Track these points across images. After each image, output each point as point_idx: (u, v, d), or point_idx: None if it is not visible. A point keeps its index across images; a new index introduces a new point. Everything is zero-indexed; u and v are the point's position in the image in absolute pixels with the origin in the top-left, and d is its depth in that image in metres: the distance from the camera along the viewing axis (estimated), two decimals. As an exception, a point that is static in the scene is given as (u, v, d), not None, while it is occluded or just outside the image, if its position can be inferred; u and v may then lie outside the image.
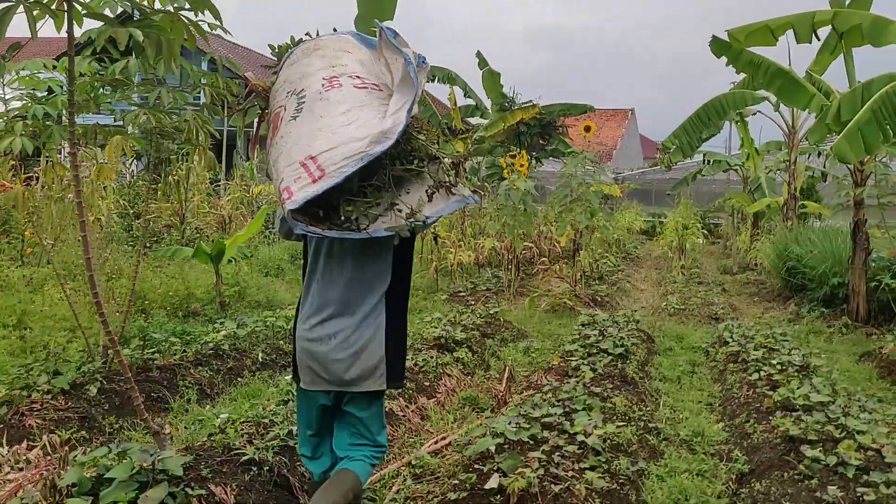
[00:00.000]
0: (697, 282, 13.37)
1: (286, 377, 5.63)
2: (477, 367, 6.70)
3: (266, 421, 4.31)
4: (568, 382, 5.39)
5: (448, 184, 2.89)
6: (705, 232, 16.26)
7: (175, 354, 5.91)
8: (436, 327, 7.14)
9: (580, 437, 3.93)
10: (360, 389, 2.98)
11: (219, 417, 4.18)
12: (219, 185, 18.91)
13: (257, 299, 9.07)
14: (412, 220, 2.72)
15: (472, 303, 9.97)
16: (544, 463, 3.71)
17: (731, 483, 4.21)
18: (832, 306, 9.71)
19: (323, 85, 2.90)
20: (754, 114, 13.64)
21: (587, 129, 9.57)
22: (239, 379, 6.06)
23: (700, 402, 5.98)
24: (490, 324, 8.22)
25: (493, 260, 12.80)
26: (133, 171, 16.77)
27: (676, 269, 14.23)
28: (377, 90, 2.92)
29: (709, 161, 17.78)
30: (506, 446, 3.82)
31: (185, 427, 4.81)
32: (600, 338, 6.98)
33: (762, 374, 5.89)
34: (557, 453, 3.86)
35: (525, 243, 11.26)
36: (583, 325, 7.90)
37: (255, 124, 3.42)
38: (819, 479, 3.72)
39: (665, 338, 8.32)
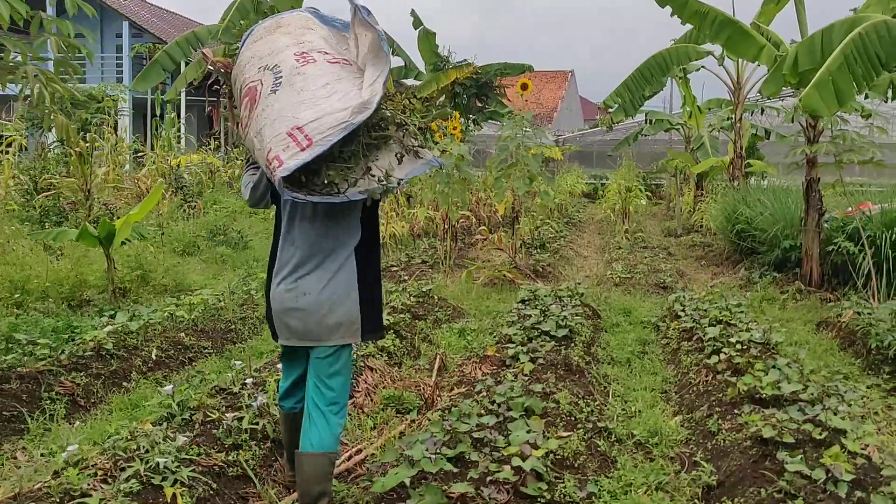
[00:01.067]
0: (642, 246, 12.82)
1: (180, 378, 4.78)
2: (405, 356, 5.93)
3: (133, 447, 3.46)
4: (505, 378, 4.67)
5: (415, 147, 3.05)
6: (648, 194, 15.75)
7: (42, 360, 4.98)
8: (359, 312, 6.35)
9: (517, 462, 3.19)
10: (335, 343, 3.14)
11: (65, 451, 3.30)
12: (142, 157, 17.64)
13: (164, 283, 8.12)
14: (384, 183, 2.91)
15: (406, 279, 9.19)
16: (472, 497, 2.97)
17: (696, 500, 3.55)
18: (784, 270, 9.21)
19: (298, 60, 3.07)
20: (698, 69, 13.05)
21: (524, 87, 8.78)
22: (124, 384, 5.18)
23: (654, 389, 5.33)
24: (423, 303, 7.45)
25: (430, 230, 12.03)
26: (43, 143, 15.40)
27: (620, 234, 13.66)
28: (347, 65, 3.13)
29: (650, 120, 17.21)
30: (423, 480, 3.06)
31: (43, 454, 3.94)
32: (541, 318, 6.28)
33: (721, 356, 5.26)
34: (489, 481, 3.13)
35: (462, 212, 10.50)
36: (523, 303, 7.20)
37: (228, 102, 3.56)
38: (805, 500, 3.06)
39: (612, 312, 7.69)
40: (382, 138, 2.98)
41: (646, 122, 17.51)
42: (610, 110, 12.86)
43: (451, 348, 6.36)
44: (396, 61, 15.34)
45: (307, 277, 3.11)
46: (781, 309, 8.06)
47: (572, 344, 5.81)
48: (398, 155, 2.99)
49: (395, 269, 9.89)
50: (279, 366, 4.27)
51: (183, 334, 6.15)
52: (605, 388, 5.28)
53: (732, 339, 5.55)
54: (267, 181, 3.31)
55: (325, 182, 2.83)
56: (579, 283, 8.15)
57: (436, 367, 5.58)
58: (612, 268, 10.20)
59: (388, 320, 6.25)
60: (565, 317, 6.30)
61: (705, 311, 6.73)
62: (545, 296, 7.25)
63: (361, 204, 3.10)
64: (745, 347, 5.37)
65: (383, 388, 5.10)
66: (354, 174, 2.87)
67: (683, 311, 7.07)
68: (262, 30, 3.36)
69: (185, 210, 12.65)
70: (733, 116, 12.45)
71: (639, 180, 17.20)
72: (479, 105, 14.61)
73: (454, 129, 9.39)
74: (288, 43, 3.19)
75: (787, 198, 10.10)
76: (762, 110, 16.53)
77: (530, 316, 6.53)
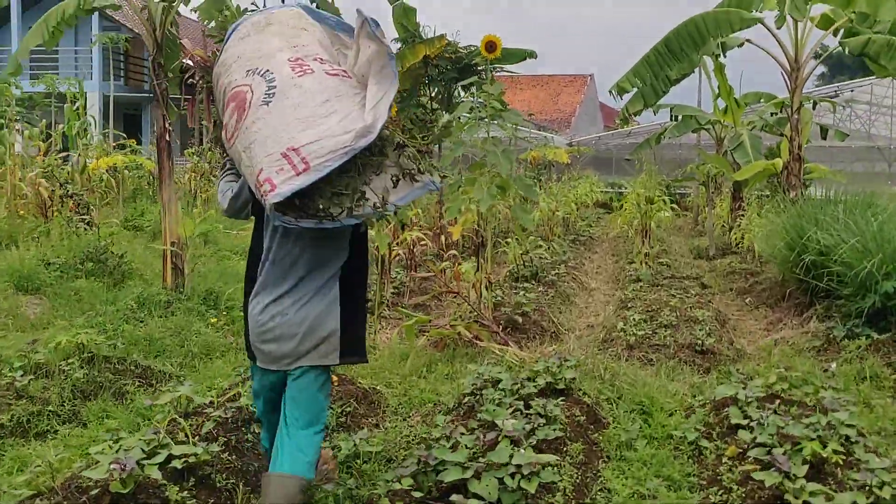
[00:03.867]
0: (668, 276, 9.77)
1: None
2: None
3: None
4: None
5: (412, 171, 2.89)
6: (673, 206, 12.70)
7: None
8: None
9: None
10: (312, 363, 3.02)
11: None
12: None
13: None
14: (380, 209, 2.79)
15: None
16: None
17: None
18: (883, 325, 6.14)
19: (294, 70, 2.89)
20: (740, 44, 9.98)
21: (490, 46, 5.79)
22: None
23: None
24: None
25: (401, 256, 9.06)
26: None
27: (640, 257, 10.62)
28: (347, 78, 2.93)
29: (676, 116, 14.09)
30: None
31: None
32: (491, 434, 3.32)
33: None
34: None
35: (414, 234, 7.52)
36: (467, 397, 4.26)
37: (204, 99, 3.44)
38: None
39: (621, 410, 4.64)
40: (379, 160, 2.83)
41: (671, 119, 14.38)
42: (625, 97, 9.84)
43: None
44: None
45: (287, 297, 3.01)
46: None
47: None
48: (394, 178, 2.85)
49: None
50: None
51: None
52: None
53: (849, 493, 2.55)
54: (249, 192, 3.06)
55: (319, 207, 2.70)
56: (570, 355, 5.16)
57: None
58: (625, 314, 7.16)
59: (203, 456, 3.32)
60: (536, 436, 3.34)
61: (785, 427, 3.70)
62: (510, 389, 4.29)
63: (349, 230, 3.00)
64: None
65: None
66: (349, 200, 2.72)
67: (744, 412, 4.09)
68: (249, 26, 3.17)
69: (75, 226, 9.76)
70: (790, 105, 9.34)
71: (662, 189, 14.22)
72: (462, 93, 11.61)
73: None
74: (280, 46, 3.03)
75: (877, 217, 7.03)
76: (814, 104, 13.39)
77: (473, 430, 3.60)
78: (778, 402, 4.27)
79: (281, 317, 2.97)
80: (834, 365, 5.59)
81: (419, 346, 5.86)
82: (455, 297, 6.39)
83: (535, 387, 4.39)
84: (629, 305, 7.68)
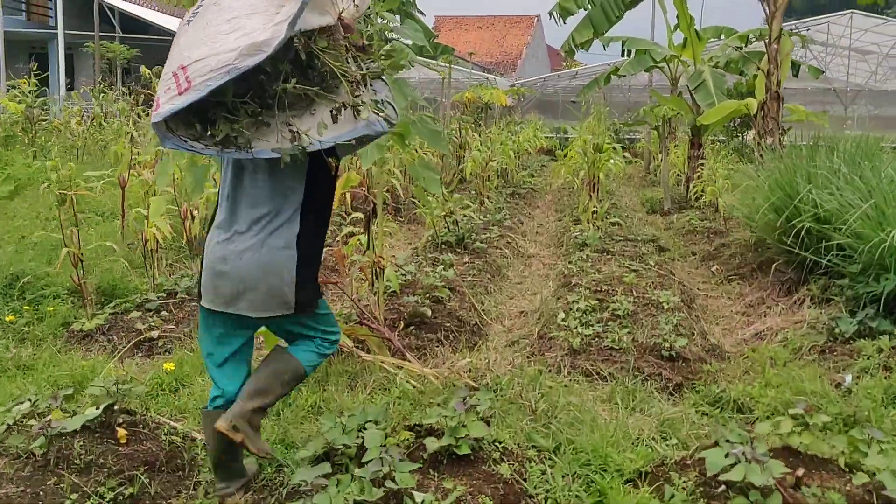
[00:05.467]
0: (619, 238, 8.21)
1: None
2: None
3: None
4: None
5: (354, 105, 2.57)
6: (626, 155, 11.08)
7: None
8: None
9: None
10: (263, 315, 2.78)
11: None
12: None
13: None
14: (297, 142, 2.53)
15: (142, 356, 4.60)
16: None
17: None
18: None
19: None
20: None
21: None
22: None
23: None
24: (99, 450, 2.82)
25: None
26: None
27: (586, 216, 9.02)
28: None
29: (629, 52, 12.37)
30: None
31: None
32: None
33: None
34: None
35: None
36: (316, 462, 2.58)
37: None
38: None
39: (558, 481, 3.00)
40: (312, 91, 2.54)
41: (623, 55, 12.67)
42: (570, 23, 8.07)
43: None
44: None
45: (241, 238, 2.74)
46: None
47: None
48: (333, 111, 2.56)
49: (141, 327, 5.23)
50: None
51: None
52: None
53: None
54: None
55: (221, 135, 2.49)
56: (492, 367, 3.53)
57: None
58: (568, 298, 5.55)
59: None
60: None
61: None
62: (370, 472, 2.62)
63: (306, 163, 2.72)
64: None
65: None
66: (250, 130, 2.49)
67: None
68: None
69: None
70: (768, 34, 7.68)
71: (611, 135, 12.64)
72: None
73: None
74: None
75: (882, 170, 5.50)
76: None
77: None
78: (801, 471, 2.71)
79: (236, 259, 2.71)
80: (849, 378, 4.07)
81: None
82: (334, 287, 4.65)
83: (424, 456, 2.74)
84: (573, 283, 6.07)
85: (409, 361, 4.04)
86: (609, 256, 7.13)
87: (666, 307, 5.31)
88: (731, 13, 18.75)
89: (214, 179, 5.16)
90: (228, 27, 2.49)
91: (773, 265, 5.92)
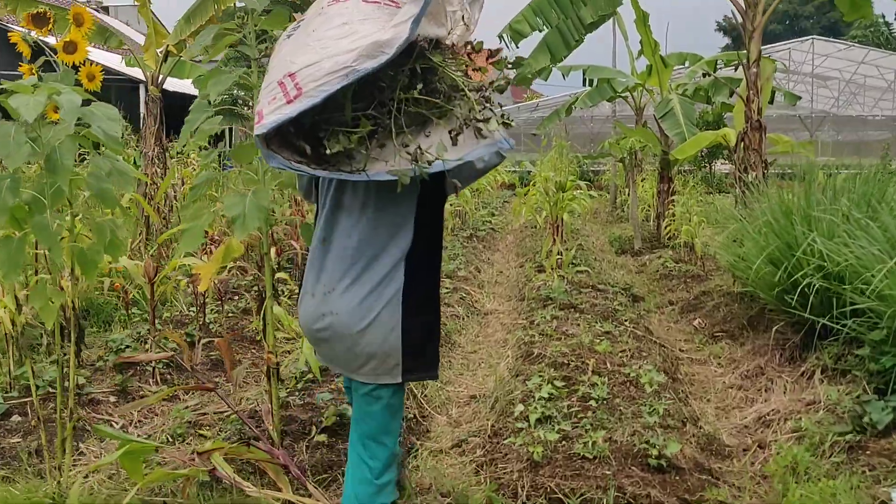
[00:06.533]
0: (587, 286, 7.24)
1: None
2: None
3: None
4: None
5: (476, 121, 2.27)
6: (592, 193, 10.14)
7: None
8: None
9: None
10: (366, 379, 2.45)
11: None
12: None
13: None
14: (417, 162, 2.21)
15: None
16: None
17: None
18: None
19: (328, 3, 2.39)
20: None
21: (38, 19, 2.87)
22: None
23: None
24: None
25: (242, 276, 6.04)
26: None
27: (550, 263, 8.03)
28: (392, 6, 2.34)
29: (591, 80, 11.52)
30: None
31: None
32: None
33: None
34: None
35: (187, 260, 4.59)
36: None
37: None
38: None
39: None
40: (432, 106, 2.25)
41: (585, 84, 11.82)
42: (522, 46, 7.13)
43: None
44: None
45: (337, 292, 2.43)
46: None
47: None
48: (452, 132, 2.25)
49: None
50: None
51: None
52: None
53: None
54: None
55: (332, 153, 2.19)
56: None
57: None
58: (530, 374, 4.51)
59: None
60: None
61: None
62: None
63: (416, 199, 2.42)
64: None
65: None
66: (371, 144, 2.22)
67: None
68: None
69: None
70: (746, 56, 6.81)
71: (574, 169, 11.78)
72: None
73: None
74: None
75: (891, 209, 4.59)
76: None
77: None
78: None
79: (332, 315, 2.42)
80: (896, 494, 3.07)
81: (140, 499, 3.02)
82: (210, 394, 3.55)
83: None
84: (536, 353, 5.05)
85: (310, 496, 2.96)
86: (577, 314, 6.13)
87: (648, 389, 4.30)
88: (682, 39, 18.13)
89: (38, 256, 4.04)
90: (339, 32, 2.25)
91: (774, 328, 4.93)
